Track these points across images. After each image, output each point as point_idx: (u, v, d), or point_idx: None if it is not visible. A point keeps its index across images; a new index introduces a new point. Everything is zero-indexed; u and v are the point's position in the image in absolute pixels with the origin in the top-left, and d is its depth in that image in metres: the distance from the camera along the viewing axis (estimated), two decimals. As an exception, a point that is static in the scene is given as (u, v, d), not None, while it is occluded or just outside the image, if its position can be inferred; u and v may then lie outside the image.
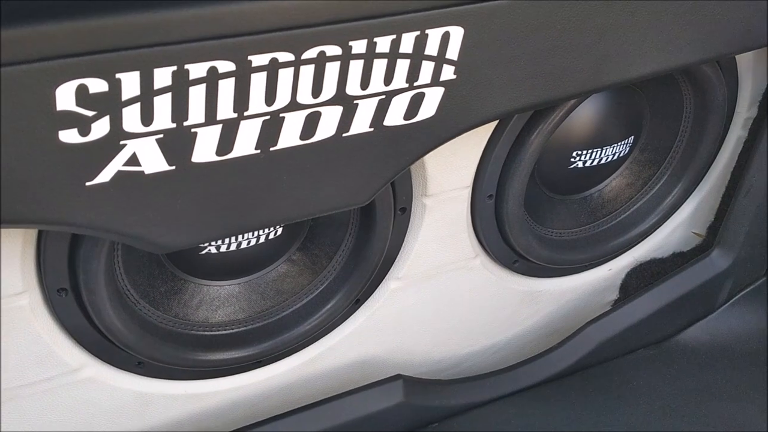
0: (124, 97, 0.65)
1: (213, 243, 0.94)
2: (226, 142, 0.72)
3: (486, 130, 0.98)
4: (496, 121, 0.97)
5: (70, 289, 0.84)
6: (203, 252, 0.95)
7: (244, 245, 0.96)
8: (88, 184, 0.68)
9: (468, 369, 1.24)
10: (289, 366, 1.07)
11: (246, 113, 0.71)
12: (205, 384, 1.02)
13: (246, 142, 0.73)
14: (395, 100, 0.77)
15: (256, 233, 0.96)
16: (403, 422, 1.10)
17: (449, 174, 0.99)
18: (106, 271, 0.84)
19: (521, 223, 1.08)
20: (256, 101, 0.71)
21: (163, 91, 0.66)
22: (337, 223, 1.01)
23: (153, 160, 0.70)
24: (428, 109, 0.79)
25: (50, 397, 0.91)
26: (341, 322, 1.08)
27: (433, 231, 1.04)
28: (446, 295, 1.12)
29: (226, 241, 0.95)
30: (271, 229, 0.96)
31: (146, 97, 0.65)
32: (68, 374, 0.90)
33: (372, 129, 0.78)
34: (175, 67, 0.65)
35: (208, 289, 1.00)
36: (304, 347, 1.07)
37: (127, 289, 0.92)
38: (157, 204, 0.73)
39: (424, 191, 0.99)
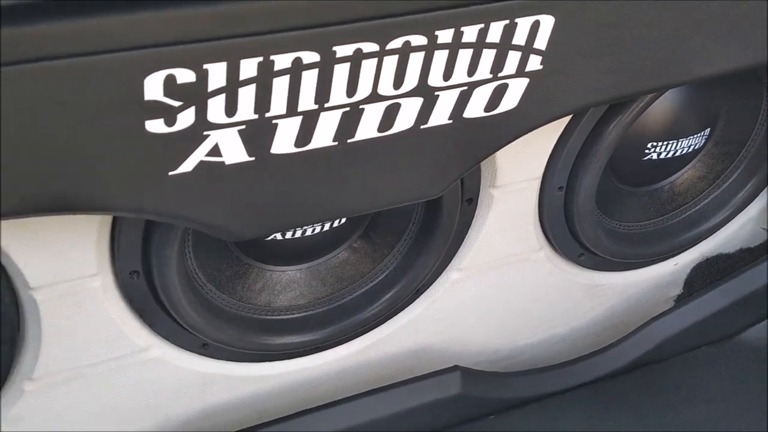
0: (211, 87, 0.63)
1: (279, 229, 0.93)
2: (305, 134, 0.71)
3: (561, 121, 0.95)
4: (572, 112, 0.94)
5: (142, 271, 0.85)
6: (269, 238, 0.94)
7: (309, 232, 0.95)
8: (170, 173, 0.68)
9: (524, 361, 1.22)
10: (347, 352, 1.07)
11: (326, 105, 0.69)
12: (265, 367, 1.02)
13: (324, 134, 0.71)
14: (477, 91, 0.74)
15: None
16: (459, 413, 1.08)
17: (520, 165, 0.96)
18: (178, 254, 0.84)
19: (591, 216, 1.05)
20: (338, 92, 0.69)
21: (248, 82, 0.64)
22: (400, 212, 0.99)
23: (234, 151, 0.69)
24: (510, 100, 0.76)
25: (117, 376, 0.92)
26: (400, 311, 1.07)
27: (498, 222, 1.01)
28: (508, 287, 1.10)
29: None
30: (336, 217, 0.95)
31: (232, 87, 0.64)
32: (135, 354, 0.91)
33: (451, 121, 0.75)
34: (261, 58, 0.63)
35: (271, 274, 1.00)
36: (362, 334, 1.06)
37: (195, 272, 0.92)
38: (235, 194, 0.72)
39: (492, 182, 0.97)
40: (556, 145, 0.97)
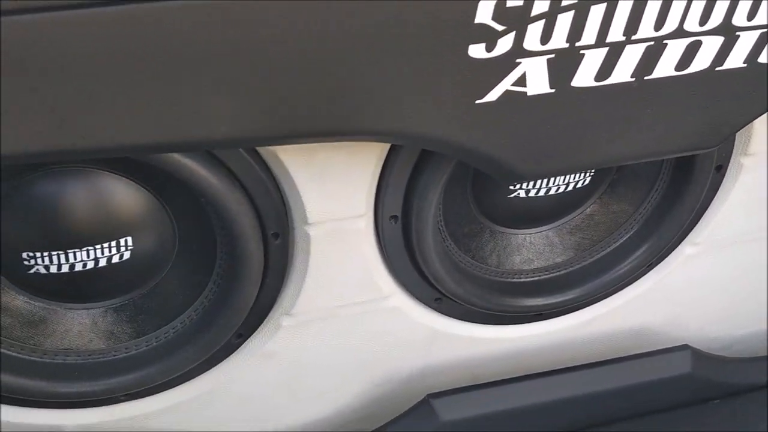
0: (534, 12, 0.65)
1: (523, 187, 0.94)
2: (607, 67, 0.71)
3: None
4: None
5: (400, 216, 0.86)
6: (511, 196, 0.95)
7: (552, 191, 0.96)
8: (477, 102, 0.69)
9: (737, 353, 1.17)
10: (567, 324, 1.05)
11: (633, 37, 0.70)
12: (488, 329, 1.02)
13: (624, 68, 0.72)
14: (779, 34, 0.73)
15: (565, 180, 0.95)
16: (685, 394, 1.04)
17: (775, 132, 0.94)
18: (437, 202, 0.85)
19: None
20: (647, 25, 0.69)
21: (568, 8, 0.66)
22: (643, 177, 0.98)
23: (538, 82, 0.70)
24: (809, 46, 0.75)
25: (359, 322, 0.94)
26: (626, 285, 1.04)
27: (743, 194, 0.98)
28: (739, 268, 1.06)
29: (536, 186, 0.95)
30: (581, 176, 0.95)
31: (552, 13, 0.66)
32: (378, 301, 0.92)
33: (745, 65, 0.75)
34: (587, -18, 0.65)
35: (502, 236, 1.00)
36: (585, 306, 1.05)
37: (442, 225, 0.93)
38: (529, 128, 0.73)
39: (744, 149, 0.94)
40: (814, 112, 0.94)
